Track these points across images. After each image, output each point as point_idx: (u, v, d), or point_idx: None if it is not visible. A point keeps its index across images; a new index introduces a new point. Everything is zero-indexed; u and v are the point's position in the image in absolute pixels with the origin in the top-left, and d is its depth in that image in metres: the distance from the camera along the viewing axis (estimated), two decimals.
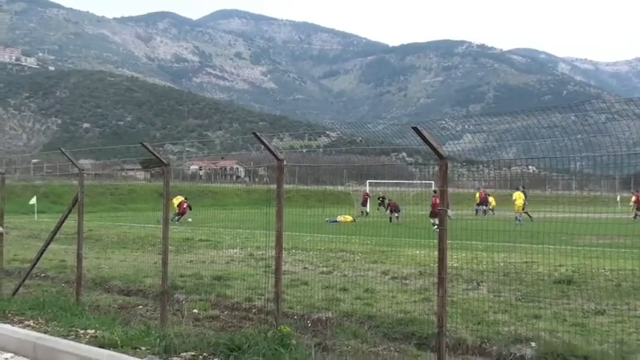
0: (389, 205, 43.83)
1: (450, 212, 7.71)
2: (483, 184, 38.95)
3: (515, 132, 8.60)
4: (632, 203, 46.46)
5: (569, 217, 9.24)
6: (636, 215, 44.16)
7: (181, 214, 42.44)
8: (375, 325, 10.30)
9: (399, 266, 16.13)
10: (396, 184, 61.09)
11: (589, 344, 8.70)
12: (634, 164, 8.08)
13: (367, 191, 55.92)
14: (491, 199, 51.87)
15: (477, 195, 49.35)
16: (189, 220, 40.57)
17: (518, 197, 42.06)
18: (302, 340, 9.17)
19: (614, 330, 9.29)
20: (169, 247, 10.89)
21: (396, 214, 40.41)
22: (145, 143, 10.86)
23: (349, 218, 43.08)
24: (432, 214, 28.23)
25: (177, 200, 42.55)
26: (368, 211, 52.22)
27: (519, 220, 35.86)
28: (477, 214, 46.25)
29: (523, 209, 40.17)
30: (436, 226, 7.87)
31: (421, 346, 9.30)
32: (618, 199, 58.20)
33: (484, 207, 48.50)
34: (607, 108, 7.91)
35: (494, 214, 48.51)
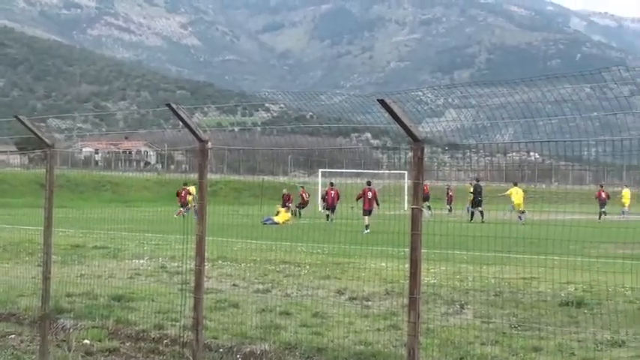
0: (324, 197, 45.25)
1: (426, 212, 7.74)
2: (471, 175, 39.58)
3: (513, 108, 8.66)
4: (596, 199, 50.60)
5: (580, 219, 9.37)
6: (601, 214, 46.13)
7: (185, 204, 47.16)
8: None
9: (359, 283, 16.18)
10: (357, 175, 61.30)
11: None
12: None
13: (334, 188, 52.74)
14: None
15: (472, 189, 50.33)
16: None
17: (515, 193, 43.66)
18: None
19: None
20: (53, 256, 10.76)
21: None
22: (20, 117, 10.69)
23: (287, 216, 43.27)
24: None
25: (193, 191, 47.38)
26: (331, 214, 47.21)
27: (521, 220, 37.65)
28: (471, 215, 46.94)
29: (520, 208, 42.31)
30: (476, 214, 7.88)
31: None
32: None
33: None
34: (632, 77, 8.00)
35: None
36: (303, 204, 53.92)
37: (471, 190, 47.61)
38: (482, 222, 39.54)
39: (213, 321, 12.69)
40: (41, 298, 10.59)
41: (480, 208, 45.45)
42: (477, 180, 45.54)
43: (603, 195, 51.59)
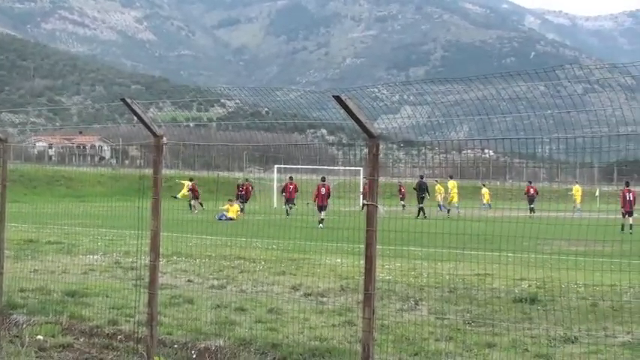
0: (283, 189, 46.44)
1: (381, 209, 7.75)
2: (426, 171, 40.06)
3: (468, 105, 8.71)
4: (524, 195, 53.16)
5: (534, 216, 9.44)
6: (531, 210, 47.58)
7: (196, 197, 51.60)
8: (282, 357, 10.31)
9: (315, 279, 16.19)
10: (313, 171, 61.30)
11: None
12: (618, 149, 8.26)
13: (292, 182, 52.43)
14: (451, 184, 54.23)
15: (438, 187, 52.21)
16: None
17: (452, 187, 47.78)
18: None
19: None
20: (6, 251, 10.65)
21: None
22: None
23: (235, 208, 43.55)
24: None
25: (186, 187, 51.72)
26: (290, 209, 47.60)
27: (441, 208, 40.00)
28: (445, 211, 48.35)
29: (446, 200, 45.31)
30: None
31: None
32: (597, 193, 60.30)
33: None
34: (585, 76, 8.08)
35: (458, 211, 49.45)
36: (247, 198, 54.02)
37: (414, 187, 48.67)
38: (425, 218, 40.71)
39: (168, 317, 12.64)
40: None
41: (421, 205, 46.52)
42: (421, 177, 46.72)
43: (532, 191, 53.53)
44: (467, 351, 10.37)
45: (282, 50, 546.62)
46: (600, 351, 10.27)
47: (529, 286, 15.29)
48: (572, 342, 10.94)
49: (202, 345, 11.00)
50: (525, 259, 15.19)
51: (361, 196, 45.98)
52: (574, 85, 8.38)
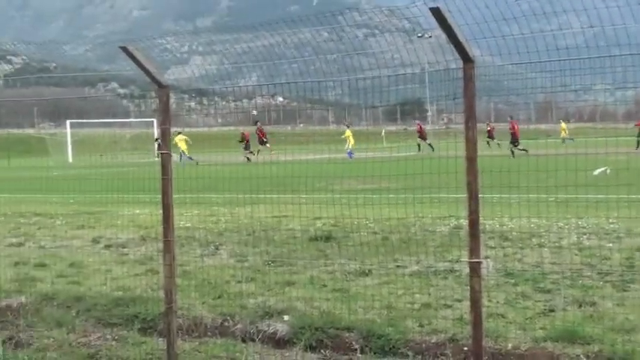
0: None
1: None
2: (219, 120, 40.11)
3: (256, 53, 8.78)
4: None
5: (323, 158, 9.67)
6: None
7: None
8: (86, 309, 10.20)
9: (115, 231, 16.05)
10: (107, 124, 60.21)
11: (352, 312, 9.25)
12: (398, 90, 8.55)
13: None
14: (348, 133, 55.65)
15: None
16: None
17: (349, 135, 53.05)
18: None
19: (381, 293, 9.93)
20: None
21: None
22: None
23: None
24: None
25: (180, 140, 51.05)
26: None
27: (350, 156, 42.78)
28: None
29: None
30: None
31: (147, 330, 9.36)
32: (383, 133, 62.08)
33: None
34: (364, 21, 8.30)
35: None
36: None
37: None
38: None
39: None
40: None
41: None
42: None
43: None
44: (268, 290, 10.55)
45: (67, 5, 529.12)
46: (392, 281, 10.66)
47: (324, 224, 15.66)
48: (367, 275, 11.31)
49: (4, 303, 10.73)
50: (318, 199, 15.52)
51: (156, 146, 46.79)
52: (355, 30, 8.61)
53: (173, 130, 7.80)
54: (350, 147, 52.46)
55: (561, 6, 7.44)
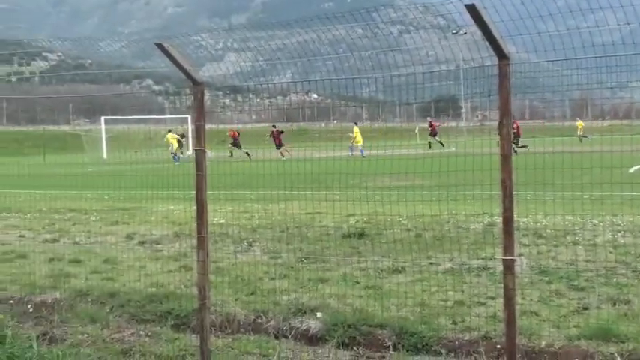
0: None
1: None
2: (254, 117, 40.19)
3: (290, 50, 8.77)
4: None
5: (357, 154, 9.64)
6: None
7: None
8: (120, 305, 10.26)
9: (149, 227, 16.12)
10: (142, 121, 60.53)
11: (385, 309, 9.23)
12: (433, 87, 8.52)
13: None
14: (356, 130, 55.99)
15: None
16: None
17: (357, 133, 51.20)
18: (21, 331, 8.95)
19: (414, 290, 9.90)
20: None
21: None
22: None
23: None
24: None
25: (172, 138, 51.84)
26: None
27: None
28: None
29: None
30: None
31: (180, 326, 9.40)
32: (417, 130, 61.90)
33: None
34: (399, 18, 8.27)
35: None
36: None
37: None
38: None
39: (1, 273, 12.35)
40: None
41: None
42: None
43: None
44: (301, 287, 10.56)
45: (103, 1, 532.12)
46: (426, 279, 10.64)
47: (357, 221, 15.64)
48: (400, 272, 11.29)
49: (39, 299, 10.82)
50: (352, 196, 15.51)
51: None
52: (390, 27, 8.58)
53: (206, 126, 7.80)
54: (353, 144, 52.11)
55: (597, 3, 7.40)
